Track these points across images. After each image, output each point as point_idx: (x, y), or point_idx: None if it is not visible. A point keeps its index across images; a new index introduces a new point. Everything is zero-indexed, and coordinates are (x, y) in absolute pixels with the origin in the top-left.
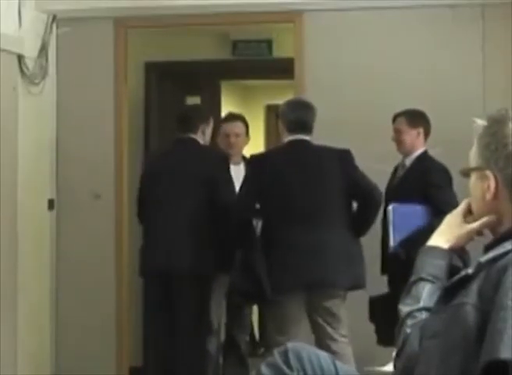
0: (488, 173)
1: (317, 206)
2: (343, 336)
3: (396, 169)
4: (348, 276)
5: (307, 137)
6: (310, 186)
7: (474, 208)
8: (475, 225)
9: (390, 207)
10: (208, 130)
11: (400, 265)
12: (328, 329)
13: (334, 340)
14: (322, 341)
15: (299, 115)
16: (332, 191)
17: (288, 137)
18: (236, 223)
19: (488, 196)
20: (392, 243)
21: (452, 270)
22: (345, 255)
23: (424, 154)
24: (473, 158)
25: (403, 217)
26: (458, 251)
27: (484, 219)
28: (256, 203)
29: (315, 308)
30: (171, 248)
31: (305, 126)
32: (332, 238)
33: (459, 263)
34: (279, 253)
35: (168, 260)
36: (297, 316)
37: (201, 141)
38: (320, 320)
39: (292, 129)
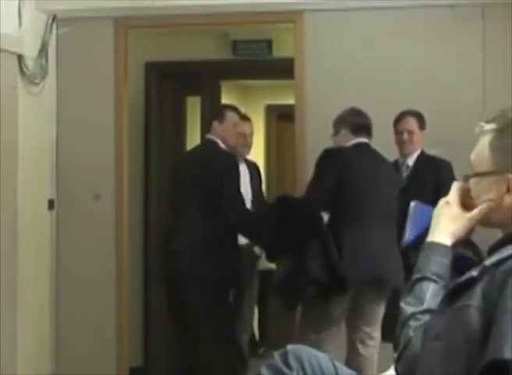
0: (509, 176)
1: (382, 207)
2: (374, 339)
3: None
4: (400, 279)
5: (369, 142)
6: (377, 187)
7: (491, 213)
8: (475, 212)
9: (413, 203)
10: None
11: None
12: (364, 332)
13: (365, 344)
14: (353, 343)
15: (364, 119)
16: (391, 196)
17: (353, 140)
18: (309, 216)
19: (509, 199)
20: (406, 238)
21: (457, 257)
22: (398, 258)
23: (423, 153)
24: (484, 161)
25: (422, 215)
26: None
27: (483, 206)
28: (327, 197)
29: (360, 308)
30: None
31: (369, 130)
32: (390, 239)
33: (465, 252)
34: (348, 248)
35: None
36: (340, 316)
37: None
38: (359, 322)
39: (358, 131)
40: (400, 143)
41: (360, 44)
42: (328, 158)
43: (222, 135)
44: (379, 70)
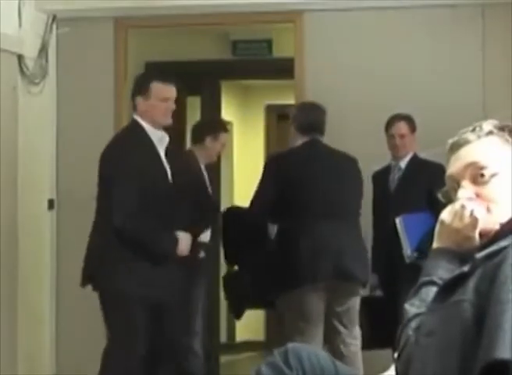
0: None
1: (337, 202)
2: (356, 338)
3: (384, 172)
4: (366, 272)
5: (319, 138)
6: (329, 182)
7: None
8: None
9: (398, 219)
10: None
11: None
12: (343, 332)
13: (346, 344)
14: (334, 343)
15: (312, 116)
16: (348, 189)
17: (300, 140)
18: (251, 225)
19: None
20: (409, 252)
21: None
22: (362, 252)
23: (416, 156)
24: (495, 162)
25: (413, 226)
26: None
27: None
28: (272, 206)
29: (334, 309)
30: None
31: (318, 127)
32: (351, 234)
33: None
34: (304, 245)
35: None
36: (317, 316)
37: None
38: (336, 322)
39: (305, 130)
40: (393, 147)
41: (360, 44)
42: (269, 167)
43: (148, 114)
44: (379, 70)
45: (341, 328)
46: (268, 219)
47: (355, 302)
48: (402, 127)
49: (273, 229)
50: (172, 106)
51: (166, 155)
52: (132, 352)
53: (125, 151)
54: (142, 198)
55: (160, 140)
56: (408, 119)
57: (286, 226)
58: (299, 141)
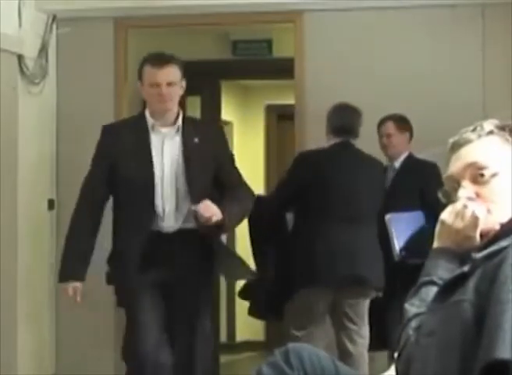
0: None
1: (356, 205)
2: (363, 337)
3: None
4: (380, 277)
5: (351, 141)
6: (350, 185)
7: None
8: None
9: (387, 217)
10: None
11: (408, 271)
12: (351, 329)
13: (353, 342)
14: (341, 341)
15: (343, 118)
16: (370, 195)
17: (332, 140)
18: (270, 217)
19: None
20: (398, 250)
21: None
22: (378, 257)
23: (411, 156)
24: (495, 161)
25: (402, 224)
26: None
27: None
28: (292, 201)
29: (343, 307)
30: None
31: (349, 130)
32: (369, 238)
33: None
34: (320, 246)
35: None
36: (322, 312)
37: None
38: (345, 320)
39: (337, 132)
40: (382, 147)
41: (360, 44)
42: (294, 164)
43: (146, 101)
44: (379, 70)
45: (349, 324)
46: (285, 211)
47: (364, 303)
48: (389, 127)
49: (291, 218)
50: (166, 91)
51: (185, 145)
52: (140, 342)
53: (106, 134)
54: (105, 180)
55: (154, 128)
56: (396, 119)
57: (302, 226)
58: (330, 141)
